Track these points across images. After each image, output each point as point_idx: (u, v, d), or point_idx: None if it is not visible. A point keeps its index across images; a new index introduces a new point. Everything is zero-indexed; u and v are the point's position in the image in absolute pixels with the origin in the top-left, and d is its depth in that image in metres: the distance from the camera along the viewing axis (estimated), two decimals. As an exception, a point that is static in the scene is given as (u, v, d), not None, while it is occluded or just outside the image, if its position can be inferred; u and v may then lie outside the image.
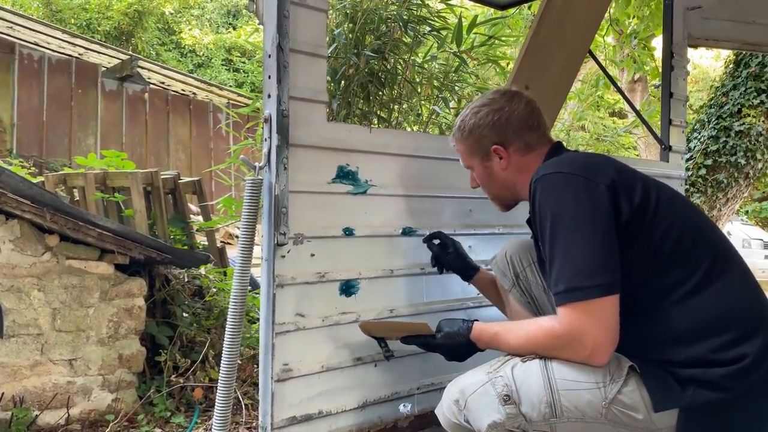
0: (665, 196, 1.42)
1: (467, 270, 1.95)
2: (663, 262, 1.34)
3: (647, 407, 1.27)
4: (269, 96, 1.67)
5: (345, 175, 1.85)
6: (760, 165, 6.04)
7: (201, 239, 4.25)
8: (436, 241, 1.96)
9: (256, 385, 2.71)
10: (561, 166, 1.43)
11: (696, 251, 1.36)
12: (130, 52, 12.06)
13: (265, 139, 1.67)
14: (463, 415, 1.38)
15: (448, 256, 1.94)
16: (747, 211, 13.71)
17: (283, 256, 1.71)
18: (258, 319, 1.74)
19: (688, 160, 5.93)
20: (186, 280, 3.15)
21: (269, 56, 1.67)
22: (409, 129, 4.20)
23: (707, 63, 18.69)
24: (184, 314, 2.98)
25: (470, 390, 1.38)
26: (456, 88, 4.30)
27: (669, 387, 1.27)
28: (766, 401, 1.27)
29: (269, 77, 1.67)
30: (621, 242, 1.32)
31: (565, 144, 1.68)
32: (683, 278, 1.32)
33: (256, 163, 1.68)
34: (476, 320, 1.54)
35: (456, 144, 1.71)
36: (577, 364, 1.32)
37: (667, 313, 1.32)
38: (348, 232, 1.86)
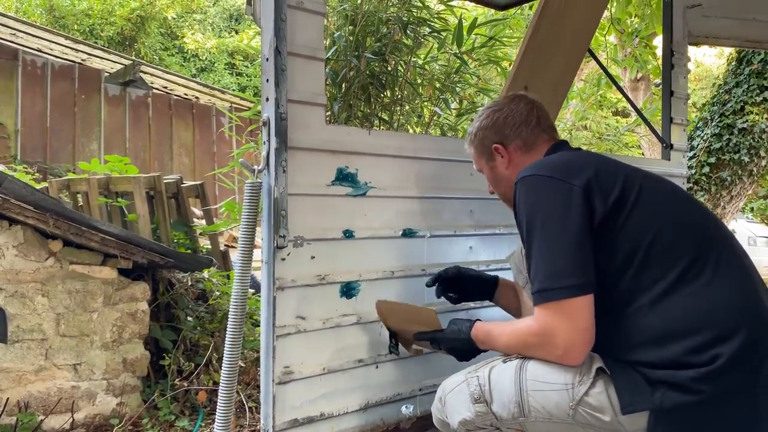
0: (649, 193, 1.39)
1: (486, 286, 1.90)
2: (638, 262, 1.32)
3: (614, 409, 1.27)
4: (267, 99, 1.68)
5: (344, 177, 1.86)
6: (763, 162, 6.02)
7: (204, 243, 4.26)
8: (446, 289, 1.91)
9: (259, 388, 2.72)
10: (538, 169, 1.44)
11: (675, 249, 1.32)
12: (133, 58, 12.11)
13: (264, 143, 1.68)
14: (443, 412, 1.49)
15: (466, 290, 1.89)
16: (752, 209, 13.63)
17: (283, 259, 1.71)
18: (262, 323, 1.76)
19: (691, 158, 5.92)
20: (189, 283, 3.16)
21: (267, 60, 1.68)
22: (411, 131, 4.20)
23: (710, 61, 18.64)
24: (188, 318, 2.99)
25: (449, 389, 1.49)
26: (457, 89, 4.30)
27: (638, 389, 1.25)
28: (738, 406, 1.23)
29: (267, 81, 1.68)
30: (595, 242, 1.33)
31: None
32: (658, 277, 1.30)
33: (255, 167, 1.69)
34: (479, 319, 1.58)
35: (468, 149, 1.75)
36: (551, 364, 1.34)
37: (641, 314, 1.30)
38: (348, 235, 1.87)
